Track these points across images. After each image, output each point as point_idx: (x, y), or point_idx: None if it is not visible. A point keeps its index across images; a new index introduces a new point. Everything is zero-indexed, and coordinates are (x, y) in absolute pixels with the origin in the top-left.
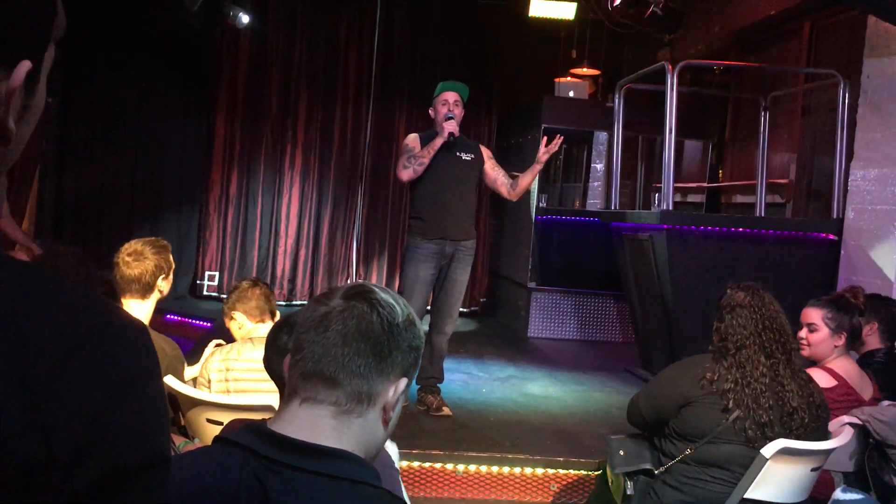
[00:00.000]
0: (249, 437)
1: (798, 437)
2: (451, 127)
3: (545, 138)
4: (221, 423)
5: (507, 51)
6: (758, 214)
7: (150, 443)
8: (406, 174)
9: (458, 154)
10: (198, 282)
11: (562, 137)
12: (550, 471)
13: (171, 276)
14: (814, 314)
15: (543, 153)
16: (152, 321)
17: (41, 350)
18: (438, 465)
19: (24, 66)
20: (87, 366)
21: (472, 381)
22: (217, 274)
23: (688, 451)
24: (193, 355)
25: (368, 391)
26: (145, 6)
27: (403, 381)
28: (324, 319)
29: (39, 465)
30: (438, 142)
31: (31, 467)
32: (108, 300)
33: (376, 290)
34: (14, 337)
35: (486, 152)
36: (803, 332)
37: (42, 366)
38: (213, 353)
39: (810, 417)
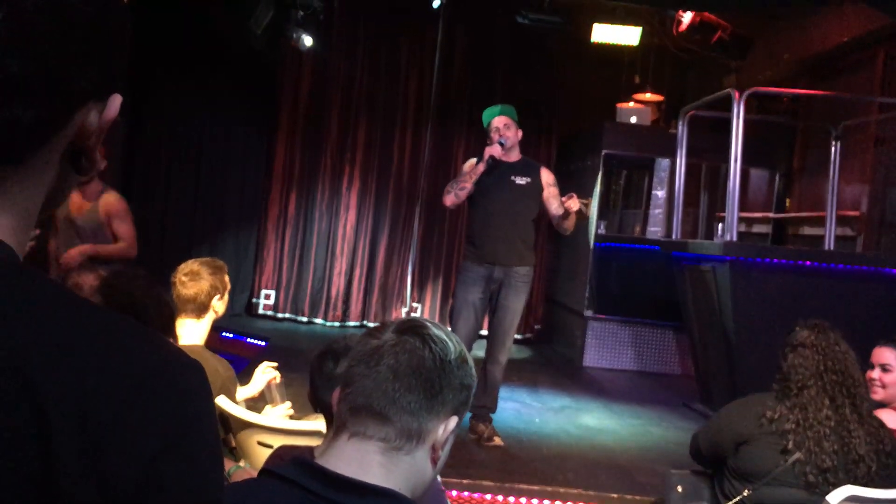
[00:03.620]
0: (296, 471)
1: (863, 486)
2: (493, 151)
3: (571, 197)
4: (272, 447)
5: (569, 75)
6: (827, 247)
7: (204, 488)
8: (448, 199)
9: (512, 178)
10: (254, 300)
11: (573, 197)
12: None
13: (226, 297)
14: (888, 354)
15: (566, 205)
16: (208, 339)
17: (100, 392)
18: (489, 497)
19: (118, 99)
20: (145, 409)
21: (525, 411)
22: (273, 293)
23: (746, 493)
24: (247, 374)
25: (418, 428)
26: (210, 29)
27: (454, 420)
28: (375, 353)
29: None
30: (480, 168)
31: None
32: (163, 337)
33: (429, 325)
34: (74, 378)
35: (546, 178)
36: (876, 373)
37: (100, 409)
38: None
39: (878, 466)
